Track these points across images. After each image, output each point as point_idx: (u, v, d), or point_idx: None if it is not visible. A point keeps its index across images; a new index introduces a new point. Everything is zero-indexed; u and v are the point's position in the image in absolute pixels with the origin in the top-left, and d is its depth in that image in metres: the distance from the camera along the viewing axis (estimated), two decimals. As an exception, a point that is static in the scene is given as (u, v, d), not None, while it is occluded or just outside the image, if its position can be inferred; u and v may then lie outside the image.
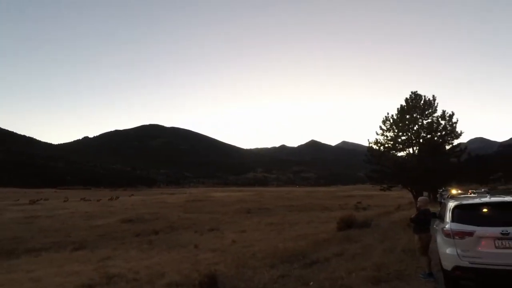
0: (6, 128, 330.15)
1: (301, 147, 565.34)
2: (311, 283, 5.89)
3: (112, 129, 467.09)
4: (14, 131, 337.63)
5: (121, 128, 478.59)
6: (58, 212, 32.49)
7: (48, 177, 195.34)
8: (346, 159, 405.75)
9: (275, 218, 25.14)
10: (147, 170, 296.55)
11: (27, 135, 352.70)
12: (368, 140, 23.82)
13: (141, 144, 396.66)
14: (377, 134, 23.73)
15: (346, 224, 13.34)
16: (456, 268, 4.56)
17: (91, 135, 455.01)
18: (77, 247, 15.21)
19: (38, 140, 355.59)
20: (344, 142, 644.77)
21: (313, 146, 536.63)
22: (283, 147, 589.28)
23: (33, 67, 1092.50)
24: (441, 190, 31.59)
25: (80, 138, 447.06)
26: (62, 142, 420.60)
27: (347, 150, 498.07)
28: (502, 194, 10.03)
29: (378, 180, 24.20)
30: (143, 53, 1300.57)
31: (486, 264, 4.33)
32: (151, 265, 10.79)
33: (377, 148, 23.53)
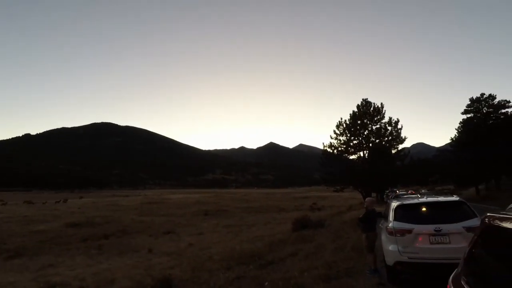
0: None
1: (260, 149, 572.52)
2: (266, 283, 6.00)
3: (59, 126, 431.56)
4: None
5: (69, 126, 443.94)
6: (-9, 217, 29.04)
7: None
8: (303, 162, 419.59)
9: (233, 220, 25.13)
10: (98, 171, 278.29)
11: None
12: (323, 143, 24.95)
13: (92, 143, 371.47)
14: (331, 138, 25.01)
15: (301, 224, 13.80)
16: (397, 263, 4.97)
17: (33, 132, 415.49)
18: (12, 255, 13.73)
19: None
20: (301, 145, 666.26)
21: (272, 148, 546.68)
22: (242, 149, 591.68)
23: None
24: (387, 191, 34.09)
25: (21, 135, 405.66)
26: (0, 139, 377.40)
27: (303, 152, 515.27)
28: (437, 195, 11.13)
29: (331, 182, 25.43)
30: (96, 43, 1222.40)
31: (422, 259, 4.78)
32: (99, 272, 10.18)
33: (331, 151, 24.75)
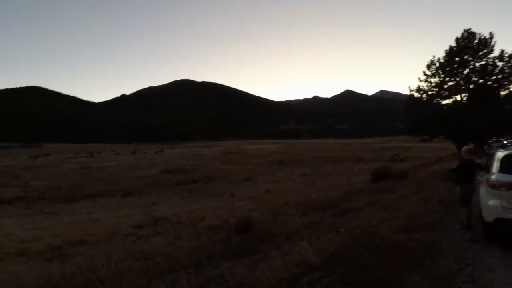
0: (53, 89, 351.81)
1: (335, 98, 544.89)
2: (342, 230, 6.05)
3: (147, 86, 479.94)
4: (60, 91, 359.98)
5: (154, 85, 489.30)
6: (107, 164, 35.47)
7: (94, 133, 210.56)
8: (384, 110, 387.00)
9: (308, 170, 25.44)
10: (182, 125, 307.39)
11: (71, 94, 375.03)
12: (409, 87, 22.10)
13: (175, 99, 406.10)
14: (419, 80, 21.87)
15: (381, 175, 13.16)
16: (498, 220, 4.38)
17: (127, 93, 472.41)
18: (125, 194, 16.79)
19: (81, 99, 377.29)
20: (382, 91, 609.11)
21: (348, 97, 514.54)
22: (315, 99, 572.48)
23: (75, 32, 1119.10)
24: (490, 141, 29.31)
25: (118, 95, 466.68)
26: (102, 100, 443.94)
27: (385, 100, 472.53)
28: None
29: (418, 131, 22.85)
30: (173, 10, 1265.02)
31: None
32: (191, 211, 11.72)
33: (419, 95, 21.85)
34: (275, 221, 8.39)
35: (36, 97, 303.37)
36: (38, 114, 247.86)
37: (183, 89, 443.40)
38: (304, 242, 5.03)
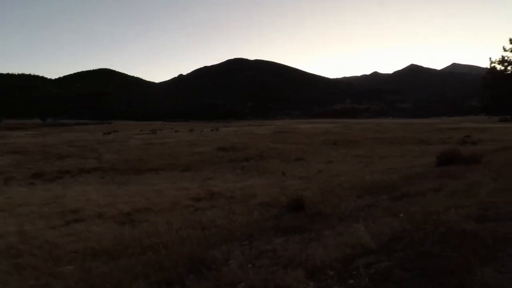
0: (120, 71, 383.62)
1: (397, 73, 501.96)
2: (401, 214, 5.70)
3: (202, 66, 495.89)
4: (126, 73, 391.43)
5: (209, 64, 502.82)
6: (167, 140, 38.19)
7: (155, 111, 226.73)
8: (455, 86, 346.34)
9: (363, 151, 24.30)
10: (235, 104, 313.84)
11: (136, 75, 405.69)
12: (490, 59, 19.28)
13: (228, 78, 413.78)
14: (504, 50, 18.87)
15: (448, 159, 11.95)
16: None
17: (184, 73, 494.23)
18: (184, 169, 17.97)
19: (144, 80, 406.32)
20: (454, 65, 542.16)
21: (413, 72, 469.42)
22: (375, 75, 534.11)
23: (138, 20, 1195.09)
24: None
25: (176, 75, 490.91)
26: (162, 81, 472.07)
27: (456, 75, 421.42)
28: None
29: (499, 109, 20.05)
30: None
31: None
32: (244, 187, 12.11)
33: (503, 68, 18.97)
34: (327, 202, 8.26)
35: (106, 78, 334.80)
36: (108, 94, 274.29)
37: (237, 68, 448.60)
38: (359, 224, 4.87)
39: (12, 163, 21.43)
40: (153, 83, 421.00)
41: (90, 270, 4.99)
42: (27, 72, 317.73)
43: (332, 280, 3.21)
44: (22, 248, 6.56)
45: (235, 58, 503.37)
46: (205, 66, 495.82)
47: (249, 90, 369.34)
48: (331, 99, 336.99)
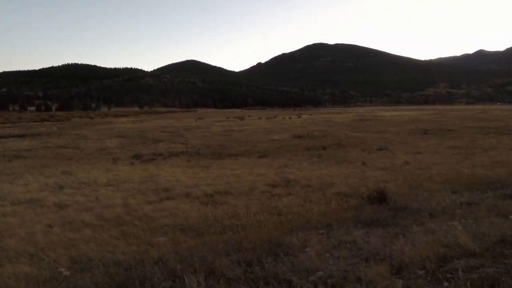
0: (202, 61, 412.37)
1: (507, 51, 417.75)
2: (511, 216, 4.81)
3: (279, 53, 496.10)
4: (208, 63, 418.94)
5: (287, 51, 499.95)
6: (246, 127, 39.78)
7: (235, 99, 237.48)
8: None
9: (461, 141, 21.18)
10: (313, 90, 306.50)
11: (217, 65, 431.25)
12: None
13: (306, 65, 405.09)
14: None
15: None
16: None
17: (263, 61, 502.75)
18: (261, 155, 18.48)
19: (225, 69, 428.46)
20: None
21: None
22: (479, 54, 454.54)
23: (218, 15, 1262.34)
24: None
25: (255, 64, 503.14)
26: (242, 69, 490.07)
27: None
28: None
29: None
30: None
31: None
32: (321, 176, 11.83)
33: None
34: (415, 196, 7.50)
35: (191, 69, 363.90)
36: (193, 83, 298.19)
37: (315, 53, 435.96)
38: (456, 222, 4.27)
39: (118, 145, 25.31)
40: (233, 72, 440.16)
41: (179, 243, 5.59)
42: (129, 66, 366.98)
43: (424, 280, 2.90)
44: (126, 218, 7.72)
45: (313, 44, 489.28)
46: (283, 53, 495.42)
47: (328, 75, 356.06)
48: (422, 83, 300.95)
